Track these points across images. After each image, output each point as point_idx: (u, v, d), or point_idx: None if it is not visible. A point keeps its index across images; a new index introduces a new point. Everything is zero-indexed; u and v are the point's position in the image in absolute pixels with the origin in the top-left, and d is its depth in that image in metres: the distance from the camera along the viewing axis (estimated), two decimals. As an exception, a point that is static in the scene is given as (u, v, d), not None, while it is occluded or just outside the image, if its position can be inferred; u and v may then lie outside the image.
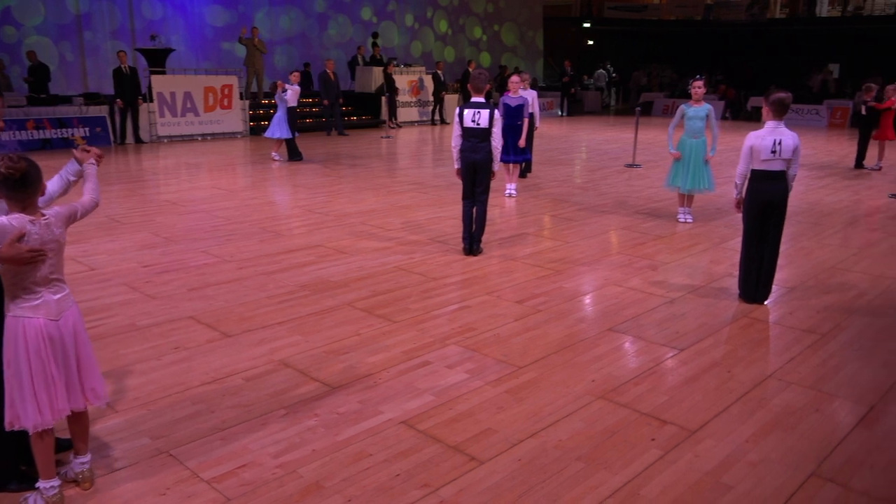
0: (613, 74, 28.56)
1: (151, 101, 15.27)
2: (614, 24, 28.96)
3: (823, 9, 26.86)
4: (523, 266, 6.47)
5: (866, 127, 12.80)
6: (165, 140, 15.49)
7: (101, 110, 14.75)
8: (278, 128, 12.64)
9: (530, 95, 10.35)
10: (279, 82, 12.78)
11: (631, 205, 9.34)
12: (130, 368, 4.23)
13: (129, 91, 14.79)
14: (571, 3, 29.60)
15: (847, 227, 8.37)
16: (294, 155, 12.88)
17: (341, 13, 21.71)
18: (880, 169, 12.63)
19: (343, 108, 18.48)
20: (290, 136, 12.66)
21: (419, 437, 3.53)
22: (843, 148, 16.00)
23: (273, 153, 12.97)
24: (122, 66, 14.74)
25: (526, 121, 9.70)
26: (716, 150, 7.99)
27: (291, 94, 12.59)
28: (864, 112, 12.81)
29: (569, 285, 5.94)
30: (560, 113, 24.17)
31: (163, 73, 15.72)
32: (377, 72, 19.78)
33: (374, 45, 20.61)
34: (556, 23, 28.62)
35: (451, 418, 3.72)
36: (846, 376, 4.30)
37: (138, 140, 15.16)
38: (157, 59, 15.79)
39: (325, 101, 17.25)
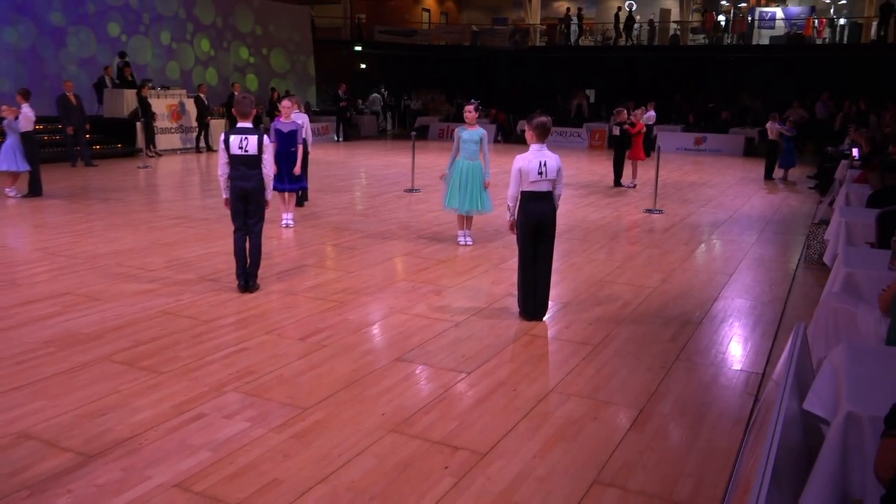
0: (388, 98, 29.42)
1: None
2: (385, 47, 29.90)
3: (578, 38, 30.01)
4: (305, 300, 6.37)
5: (620, 148, 14.44)
6: None
7: None
8: (9, 159, 11.32)
9: (303, 120, 10.27)
10: (4, 107, 11.47)
11: (413, 229, 9.60)
12: None
13: None
14: (341, 26, 30.06)
15: (610, 241, 9.32)
16: (35, 189, 11.59)
17: (83, 26, 19.99)
18: (635, 186, 14.28)
19: (89, 136, 16.97)
20: (27, 168, 11.40)
21: (196, 499, 3.30)
22: (604, 167, 17.88)
23: (7, 189, 11.57)
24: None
25: (300, 147, 9.62)
26: (489, 174, 8.51)
27: (23, 119, 11.35)
28: (617, 133, 14.46)
29: (354, 317, 5.94)
30: (336, 138, 24.34)
31: None
32: (129, 95, 18.51)
33: (126, 64, 19.28)
34: (328, 46, 28.90)
35: (231, 474, 3.52)
36: (618, 383, 4.75)
37: None
38: None
39: (69, 129, 15.67)
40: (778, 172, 16.24)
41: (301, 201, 11.15)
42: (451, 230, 9.45)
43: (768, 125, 16.06)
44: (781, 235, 10.06)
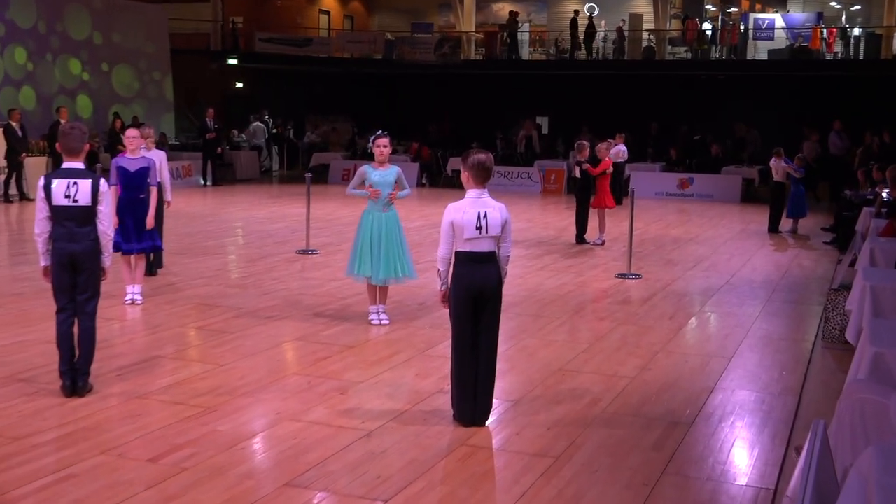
0: (274, 129, 29.56)
1: None
2: (270, 61, 30.16)
3: (525, 50, 30.91)
4: (158, 405, 6.23)
5: (583, 193, 14.82)
6: None
7: None
8: None
9: (157, 157, 10.23)
10: None
11: (308, 305, 9.57)
12: None
13: None
14: (209, 33, 30.20)
15: (573, 316, 9.48)
16: None
17: None
18: (603, 244, 14.64)
19: None
20: None
21: None
22: (562, 219, 18.28)
23: None
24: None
25: (154, 191, 9.54)
26: (401, 228, 8.59)
27: None
28: (577, 175, 14.85)
29: (226, 427, 5.84)
30: (203, 182, 24.19)
31: None
32: None
33: None
34: (191, 58, 28.95)
35: None
36: (587, 508, 4.79)
37: None
38: None
39: None
40: (786, 224, 16.94)
41: (153, 268, 10.97)
42: (360, 305, 9.45)
43: (772, 163, 16.78)
44: (792, 306, 10.43)
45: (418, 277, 9.17)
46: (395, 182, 8.50)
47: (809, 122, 24.50)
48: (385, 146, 8.50)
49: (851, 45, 27.82)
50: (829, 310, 8.63)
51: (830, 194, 22.22)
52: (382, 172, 8.52)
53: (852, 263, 10.70)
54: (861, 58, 27.30)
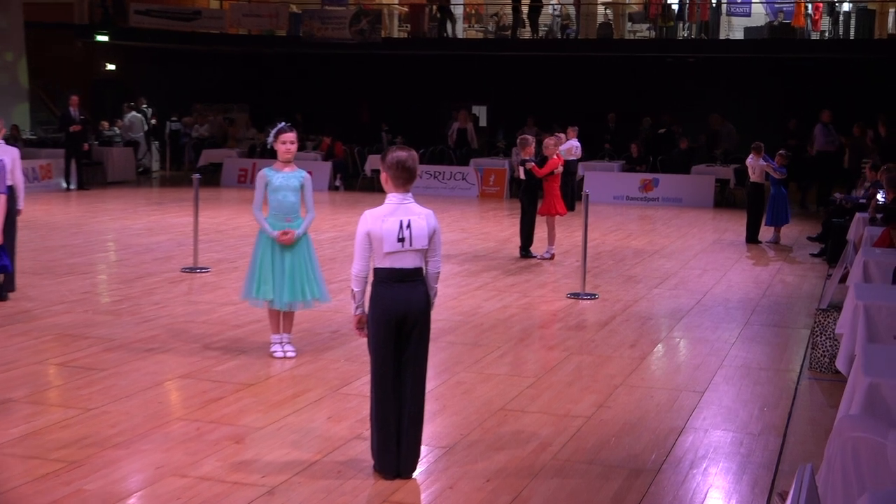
0: (154, 120, 29.20)
1: None
2: (148, 37, 29.79)
3: (459, 27, 30.96)
4: (9, 461, 6.13)
5: (529, 198, 14.91)
6: None
7: None
8: None
9: (8, 155, 10.10)
10: None
11: (196, 335, 9.48)
12: None
13: None
14: (73, 2, 29.69)
15: (517, 345, 9.52)
16: None
17: None
18: (552, 258, 14.74)
19: None
20: None
21: None
22: (504, 228, 18.38)
23: None
24: None
25: (2, 199, 9.35)
26: (310, 241, 8.54)
27: None
28: (521, 176, 14.94)
29: (95, 486, 5.75)
30: (66, 185, 23.79)
31: None
32: None
33: None
34: (51, 34, 28.45)
35: None
36: (534, 574, 4.81)
37: None
38: None
39: None
40: (766, 232, 17.27)
41: (2, 292, 10.78)
42: (260, 335, 9.39)
43: (749, 161, 17.10)
44: (774, 329, 10.63)
45: (331, 300, 9.13)
46: (300, 187, 8.45)
47: (791, 111, 24.99)
48: (291, 142, 8.45)
49: (841, 23, 28.39)
50: (816, 334, 8.81)
51: (818, 197, 22.69)
52: (286, 175, 8.46)
53: (843, 279, 10.94)
54: (852, 37, 27.88)
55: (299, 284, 8.50)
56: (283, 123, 8.63)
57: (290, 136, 8.47)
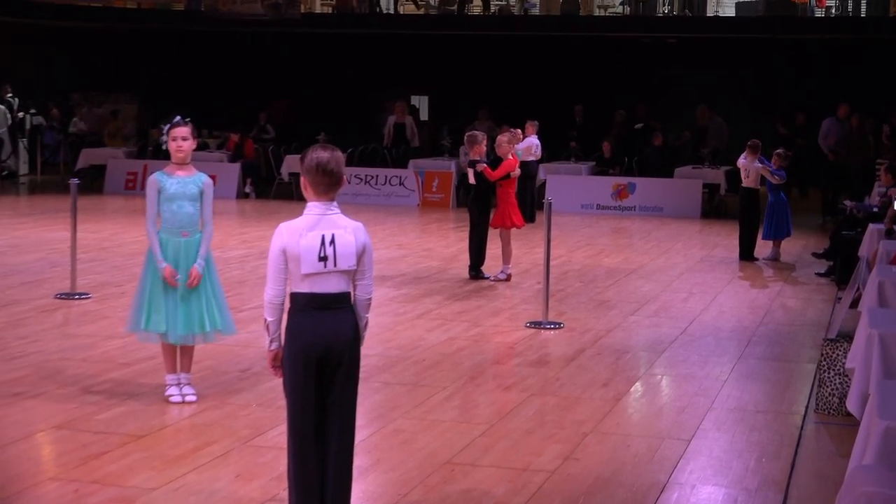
0: (21, 112, 28.84)
1: None
2: (10, 12, 29.37)
3: (395, 2, 30.89)
4: None
5: (479, 207, 14.88)
6: None
7: None
8: None
9: None
10: None
11: (74, 376, 9.38)
12: None
13: None
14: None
15: (467, 384, 9.50)
16: None
17: None
18: (508, 278, 14.74)
19: None
20: None
21: None
22: (450, 243, 18.39)
23: None
24: None
25: None
26: (210, 260, 8.49)
27: None
28: (472, 181, 14.93)
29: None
30: None
31: None
32: None
33: None
34: None
35: None
36: None
37: None
38: None
39: None
40: (764, 248, 17.42)
41: None
42: (152, 375, 9.31)
43: (741, 162, 17.21)
44: (774, 364, 10.71)
45: (238, 332, 9.09)
46: (199, 195, 8.38)
47: (796, 104, 25.16)
48: (183, 138, 8.39)
49: None
50: (823, 369, 8.88)
51: (823, 205, 22.90)
52: (182, 181, 8.38)
53: (855, 303, 11.03)
54: (862, 15, 28.18)
55: (197, 313, 8.44)
56: (177, 117, 8.58)
57: (183, 130, 8.40)
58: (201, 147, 25.46)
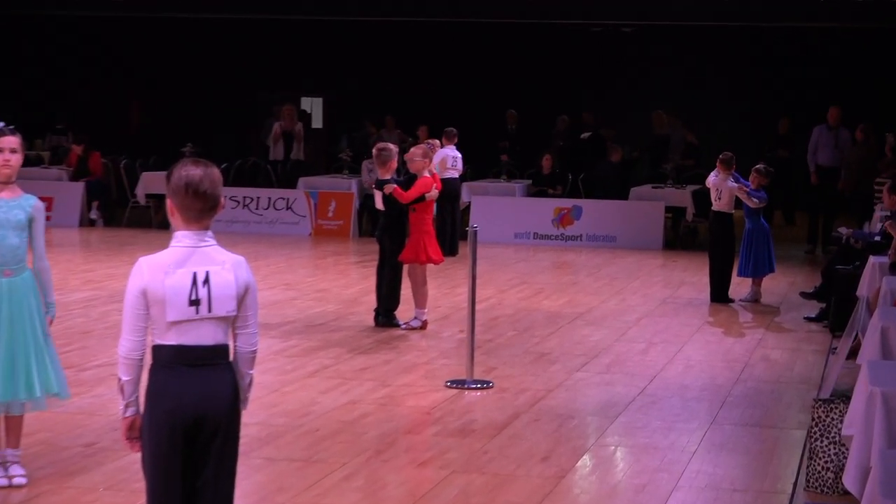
0: None
1: None
2: None
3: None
4: None
5: (389, 236, 14.86)
6: None
7: None
8: None
9: None
10: None
11: None
12: None
13: None
14: None
15: (373, 460, 9.47)
16: None
17: None
18: (423, 326, 14.74)
19: None
20: None
21: None
22: (351, 282, 18.49)
23: None
24: None
25: None
26: (53, 309, 8.40)
27: None
28: (379, 204, 14.91)
29: None
30: None
31: None
32: None
33: None
34: None
35: None
36: None
37: None
38: None
39: None
40: (741, 287, 17.59)
41: None
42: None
43: (712, 180, 17.35)
44: (753, 431, 10.79)
45: (70, 397, 8.97)
46: (28, 222, 8.29)
47: (784, 109, 25.47)
48: (14, 150, 8.31)
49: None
50: (815, 437, 8.96)
51: (810, 232, 23.11)
52: (5, 204, 8.27)
53: (853, 354, 11.15)
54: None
55: (24, 374, 8.31)
56: (0, 123, 8.50)
57: (10, 140, 8.30)
58: (34, 162, 25.22)
